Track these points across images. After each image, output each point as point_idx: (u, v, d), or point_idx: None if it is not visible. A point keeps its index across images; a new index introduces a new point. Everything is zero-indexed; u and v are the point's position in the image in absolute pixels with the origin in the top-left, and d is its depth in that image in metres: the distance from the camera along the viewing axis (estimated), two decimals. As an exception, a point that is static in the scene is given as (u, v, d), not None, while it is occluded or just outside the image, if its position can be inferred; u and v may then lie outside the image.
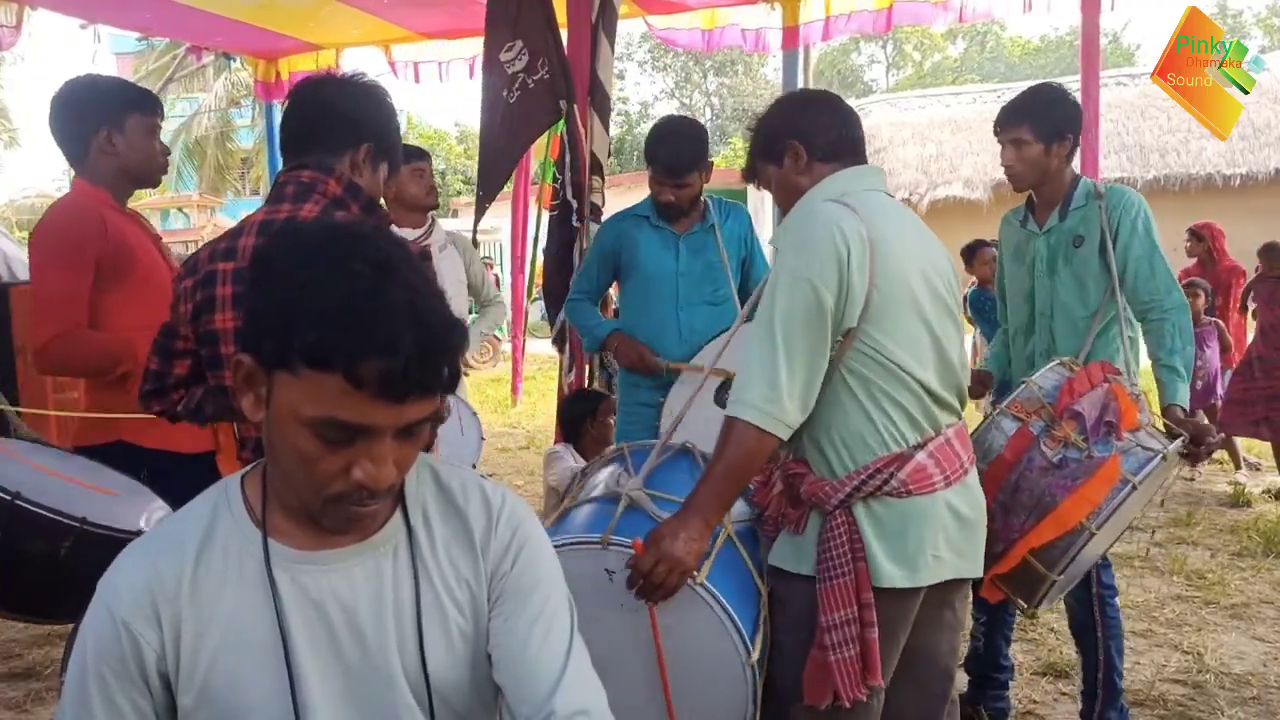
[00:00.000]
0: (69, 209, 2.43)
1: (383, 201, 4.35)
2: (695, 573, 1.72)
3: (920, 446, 1.78)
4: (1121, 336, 2.74)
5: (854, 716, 1.79)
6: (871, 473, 1.75)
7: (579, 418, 3.63)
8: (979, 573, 1.90)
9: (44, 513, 1.82)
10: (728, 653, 1.72)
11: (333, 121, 1.82)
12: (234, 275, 1.74)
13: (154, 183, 2.61)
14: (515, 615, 1.18)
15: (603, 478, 2.12)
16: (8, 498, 1.78)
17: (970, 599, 3.04)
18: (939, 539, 1.78)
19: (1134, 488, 2.12)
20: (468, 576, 1.18)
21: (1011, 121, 2.78)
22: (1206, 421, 4.74)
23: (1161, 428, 2.41)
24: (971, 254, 7.23)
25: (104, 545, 1.67)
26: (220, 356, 1.76)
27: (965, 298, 6.62)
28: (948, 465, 1.81)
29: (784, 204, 1.98)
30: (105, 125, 2.41)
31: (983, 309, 7.07)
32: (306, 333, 0.96)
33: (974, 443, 2.25)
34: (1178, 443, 2.32)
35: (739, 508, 1.96)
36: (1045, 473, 2.15)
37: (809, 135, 1.91)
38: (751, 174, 2.07)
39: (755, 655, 1.73)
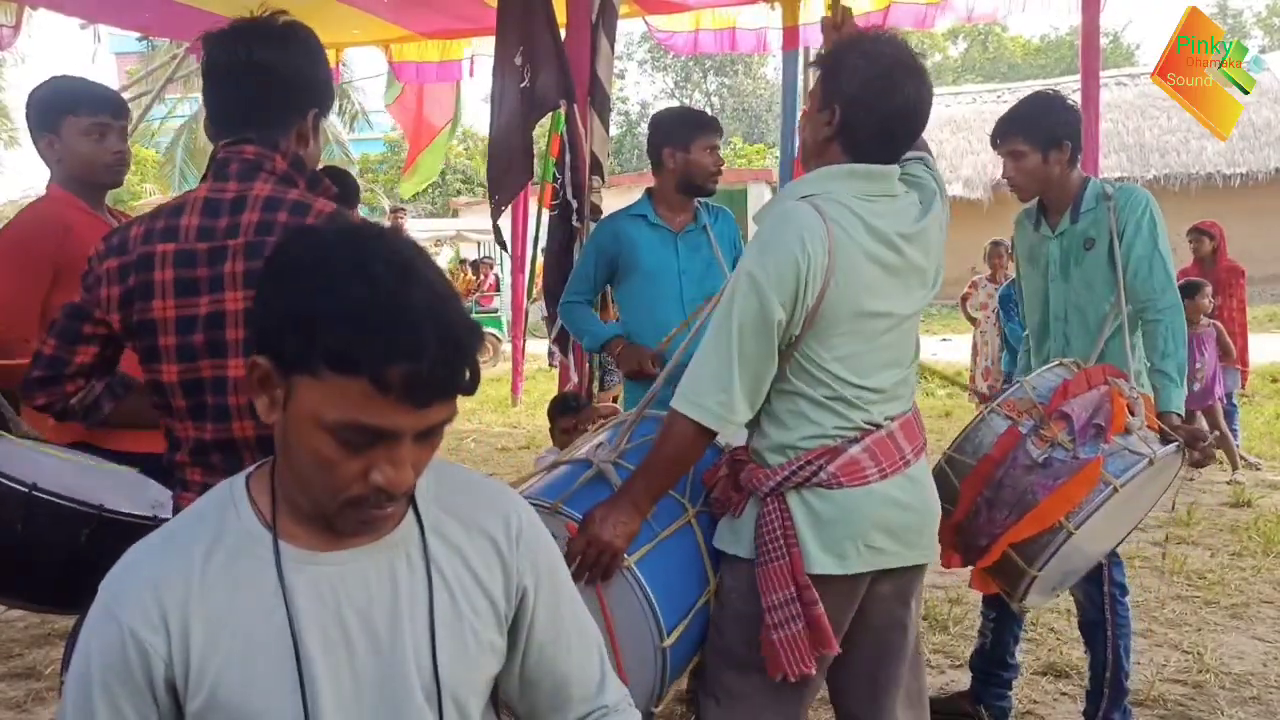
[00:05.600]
0: (30, 214, 2.43)
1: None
2: (625, 556, 1.78)
3: (855, 440, 1.80)
4: (1130, 336, 2.73)
5: (790, 690, 1.83)
6: (802, 464, 1.79)
7: (555, 421, 3.73)
8: (930, 560, 1.94)
9: (62, 502, 1.81)
10: (643, 635, 1.80)
11: (276, 91, 1.59)
12: (175, 258, 1.54)
13: (110, 182, 2.49)
14: (551, 624, 1.22)
15: (598, 439, 2.16)
16: (24, 489, 1.77)
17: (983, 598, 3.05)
18: (872, 530, 1.80)
19: (1115, 490, 2.14)
20: (483, 578, 1.18)
21: (1006, 133, 2.78)
22: (1205, 425, 4.74)
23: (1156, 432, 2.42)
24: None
25: (123, 532, 1.65)
26: (158, 348, 1.55)
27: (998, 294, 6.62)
28: (885, 458, 1.82)
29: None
30: (46, 131, 2.39)
31: (1008, 308, 7.03)
32: (330, 337, 0.96)
33: (964, 439, 2.31)
34: (1169, 448, 2.33)
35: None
36: (1029, 471, 2.19)
37: (857, 117, 1.78)
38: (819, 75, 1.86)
39: (670, 640, 1.79)
